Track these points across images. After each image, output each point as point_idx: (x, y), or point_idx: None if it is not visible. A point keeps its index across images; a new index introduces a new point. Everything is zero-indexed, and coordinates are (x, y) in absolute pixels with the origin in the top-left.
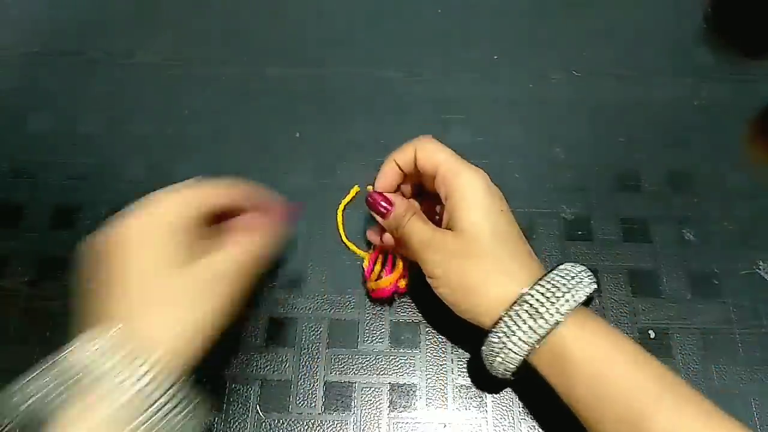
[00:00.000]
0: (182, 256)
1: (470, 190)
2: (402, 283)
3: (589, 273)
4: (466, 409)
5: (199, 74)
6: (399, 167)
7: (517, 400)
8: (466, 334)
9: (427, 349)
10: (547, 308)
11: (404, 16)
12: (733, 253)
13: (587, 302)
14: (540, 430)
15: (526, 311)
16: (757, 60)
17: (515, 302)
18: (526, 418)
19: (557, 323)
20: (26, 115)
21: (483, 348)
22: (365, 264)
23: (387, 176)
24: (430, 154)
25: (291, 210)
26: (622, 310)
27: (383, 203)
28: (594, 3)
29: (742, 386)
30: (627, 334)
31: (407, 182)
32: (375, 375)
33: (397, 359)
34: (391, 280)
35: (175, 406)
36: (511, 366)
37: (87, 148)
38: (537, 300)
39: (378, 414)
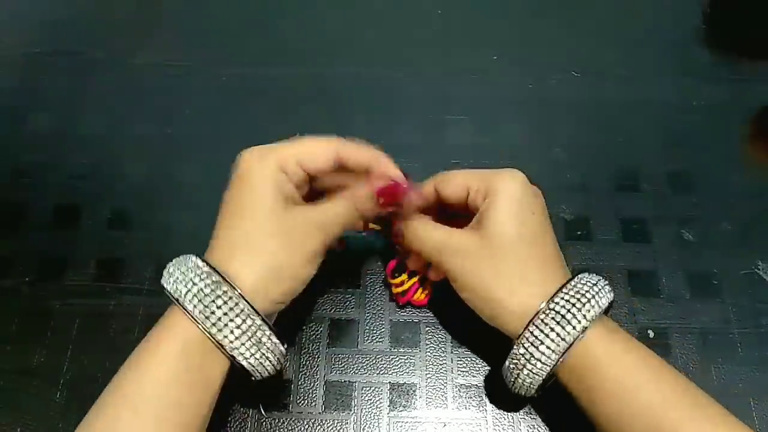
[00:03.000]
0: (287, 201)
1: (506, 194)
2: (421, 297)
3: (606, 282)
4: (465, 408)
5: (199, 74)
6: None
7: (517, 399)
8: (467, 334)
9: (427, 348)
10: (573, 314)
11: (404, 16)
12: (732, 253)
13: (606, 312)
14: (539, 429)
15: (553, 319)
16: (757, 60)
17: (542, 310)
18: (526, 418)
19: (584, 329)
20: (26, 115)
21: (506, 363)
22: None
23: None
24: (456, 179)
25: (395, 189)
26: (621, 311)
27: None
28: (594, 3)
29: (741, 386)
30: None
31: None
32: (375, 374)
33: (397, 359)
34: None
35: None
36: (538, 379)
37: (87, 148)
38: (563, 307)
39: (378, 413)
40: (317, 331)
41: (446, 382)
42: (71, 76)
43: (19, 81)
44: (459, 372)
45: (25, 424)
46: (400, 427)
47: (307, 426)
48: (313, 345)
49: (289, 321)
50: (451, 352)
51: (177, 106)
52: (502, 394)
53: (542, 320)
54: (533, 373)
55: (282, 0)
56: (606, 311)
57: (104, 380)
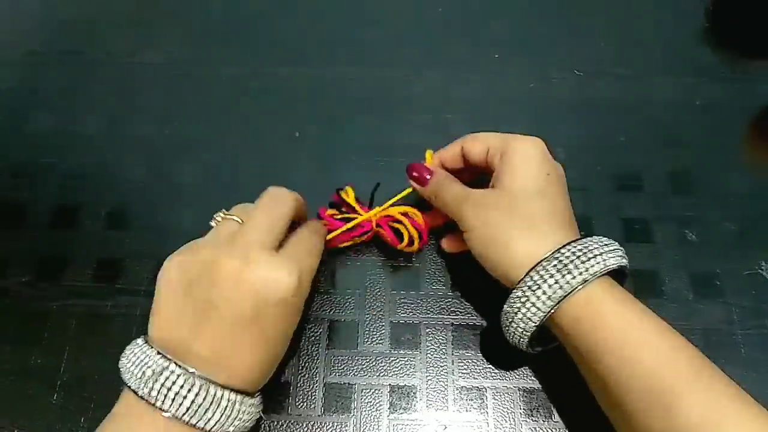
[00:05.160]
0: None
1: (521, 153)
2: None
3: (620, 248)
4: (466, 410)
5: (199, 74)
6: (443, 165)
7: (518, 401)
8: (468, 335)
9: (427, 350)
10: (576, 265)
11: (404, 15)
12: (735, 254)
13: (620, 280)
14: (541, 431)
15: (555, 266)
16: (758, 60)
17: (545, 258)
18: (527, 420)
19: (585, 282)
20: (26, 114)
21: (504, 306)
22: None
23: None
24: (478, 139)
25: None
26: None
27: (423, 172)
28: (595, 2)
29: (744, 387)
30: None
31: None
32: (375, 376)
33: (398, 360)
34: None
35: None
36: (531, 325)
37: (87, 148)
38: (567, 257)
39: (378, 416)
40: (316, 332)
41: (447, 384)
42: (71, 76)
43: (19, 81)
44: (460, 374)
45: (22, 425)
46: (401, 429)
47: (306, 428)
48: (312, 347)
49: None
50: (452, 354)
51: (176, 106)
52: (503, 396)
53: (544, 266)
54: (527, 317)
55: (282, 0)
56: (620, 280)
57: (101, 382)
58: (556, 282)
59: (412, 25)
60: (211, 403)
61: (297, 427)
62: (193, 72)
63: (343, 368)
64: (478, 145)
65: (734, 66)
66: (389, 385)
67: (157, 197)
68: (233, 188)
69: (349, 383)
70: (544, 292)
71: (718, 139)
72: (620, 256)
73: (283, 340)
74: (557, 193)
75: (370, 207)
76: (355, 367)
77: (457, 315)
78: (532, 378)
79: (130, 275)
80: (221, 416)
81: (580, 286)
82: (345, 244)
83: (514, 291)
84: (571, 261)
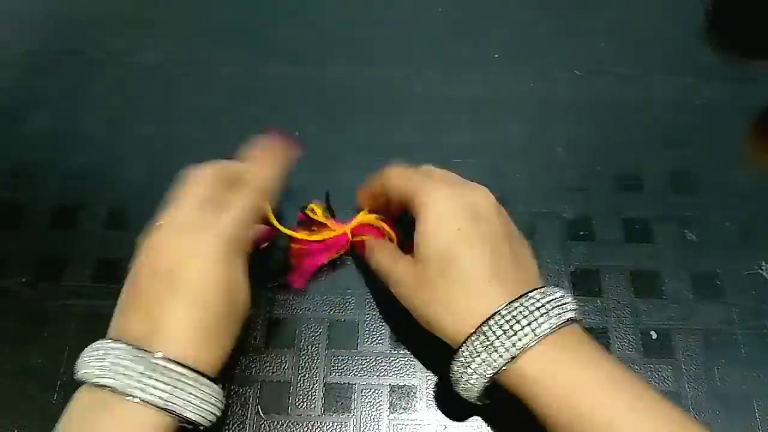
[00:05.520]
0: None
1: (423, 213)
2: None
3: (562, 301)
4: (467, 410)
5: (198, 73)
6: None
7: (518, 402)
8: None
9: (427, 350)
10: (501, 342)
11: (404, 15)
12: (735, 254)
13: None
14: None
15: (479, 346)
16: (758, 60)
17: (468, 337)
18: (527, 421)
19: (511, 359)
20: (25, 114)
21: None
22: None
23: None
24: (399, 183)
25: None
26: (623, 311)
27: (359, 247)
28: (595, 2)
29: (744, 387)
30: (629, 335)
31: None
32: (375, 376)
33: (398, 360)
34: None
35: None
36: (472, 396)
37: (86, 148)
38: (487, 338)
39: (378, 416)
40: (316, 332)
41: (447, 384)
42: (71, 76)
43: (18, 80)
44: None
45: (22, 425)
46: (401, 429)
47: (306, 428)
48: (312, 347)
49: (288, 322)
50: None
51: (176, 105)
52: (503, 396)
53: (467, 347)
54: (465, 389)
55: (282, 0)
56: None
57: None
58: (483, 360)
59: (412, 25)
60: (187, 386)
61: (297, 427)
62: (193, 72)
63: (343, 368)
64: (394, 191)
65: (733, 66)
66: (389, 385)
67: (157, 197)
68: None
69: (349, 383)
70: (475, 371)
71: (719, 139)
72: (554, 315)
73: (218, 305)
74: (475, 250)
75: (334, 217)
76: (355, 367)
77: None
78: None
79: None
80: (192, 397)
81: (509, 362)
82: (324, 262)
83: (451, 364)
84: (497, 338)
